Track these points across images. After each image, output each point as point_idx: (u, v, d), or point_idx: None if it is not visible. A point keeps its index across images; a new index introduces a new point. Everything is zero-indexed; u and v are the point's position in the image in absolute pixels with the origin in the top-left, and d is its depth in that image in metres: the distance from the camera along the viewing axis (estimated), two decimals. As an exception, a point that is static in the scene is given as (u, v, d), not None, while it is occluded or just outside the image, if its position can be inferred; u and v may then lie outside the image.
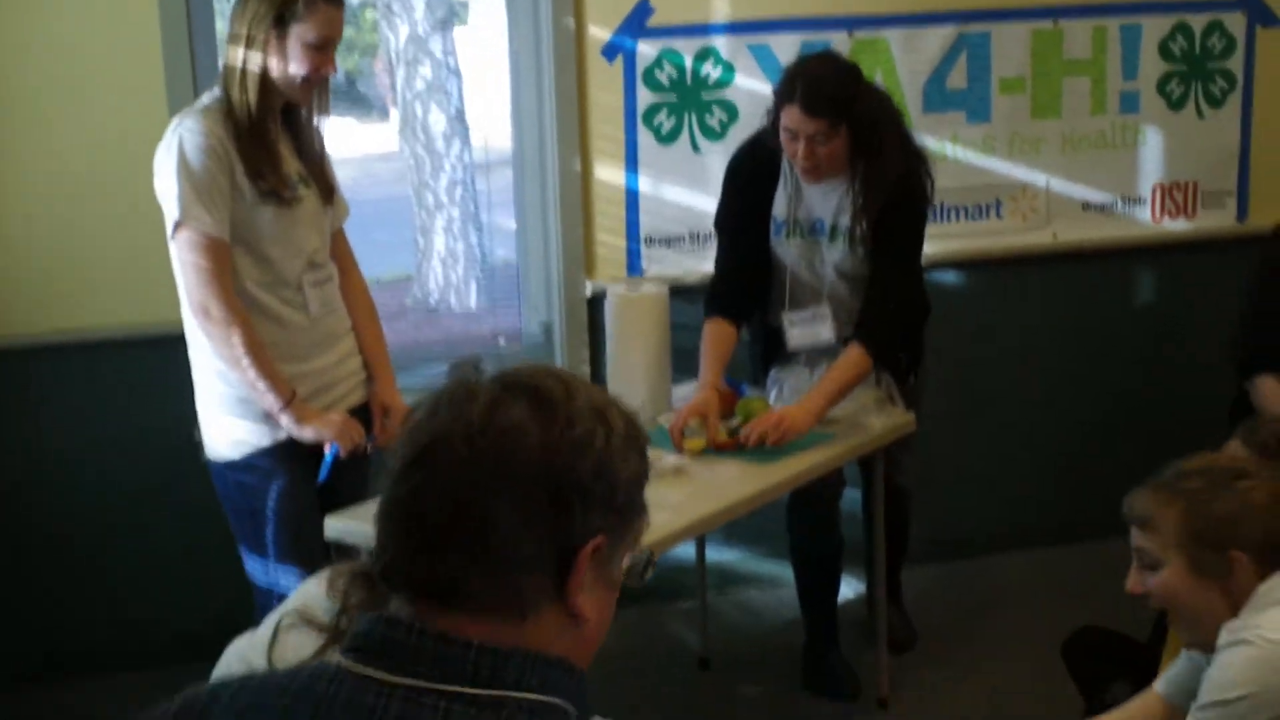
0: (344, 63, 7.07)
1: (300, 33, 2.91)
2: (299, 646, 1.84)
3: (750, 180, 3.61)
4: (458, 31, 6.57)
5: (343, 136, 7.17)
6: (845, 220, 3.51)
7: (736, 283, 3.64)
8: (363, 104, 8.58)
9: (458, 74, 6.65)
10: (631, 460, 1.29)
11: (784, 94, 3.37)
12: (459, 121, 6.77)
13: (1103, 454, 4.67)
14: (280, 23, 2.90)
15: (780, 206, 3.58)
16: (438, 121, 6.76)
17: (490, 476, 1.22)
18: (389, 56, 6.92)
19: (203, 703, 1.24)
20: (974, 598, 4.35)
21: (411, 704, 1.16)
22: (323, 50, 2.95)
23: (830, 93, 3.33)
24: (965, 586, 4.41)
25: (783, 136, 3.41)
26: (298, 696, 1.20)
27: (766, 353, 3.77)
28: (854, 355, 3.43)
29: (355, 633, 1.24)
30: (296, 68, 2.93)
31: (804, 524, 3.79)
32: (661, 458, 3.16)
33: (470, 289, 6.93)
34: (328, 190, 3.13)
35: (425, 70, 6.65)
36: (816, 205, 3.56)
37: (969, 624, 4.18)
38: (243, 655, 2.03)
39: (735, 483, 3.12)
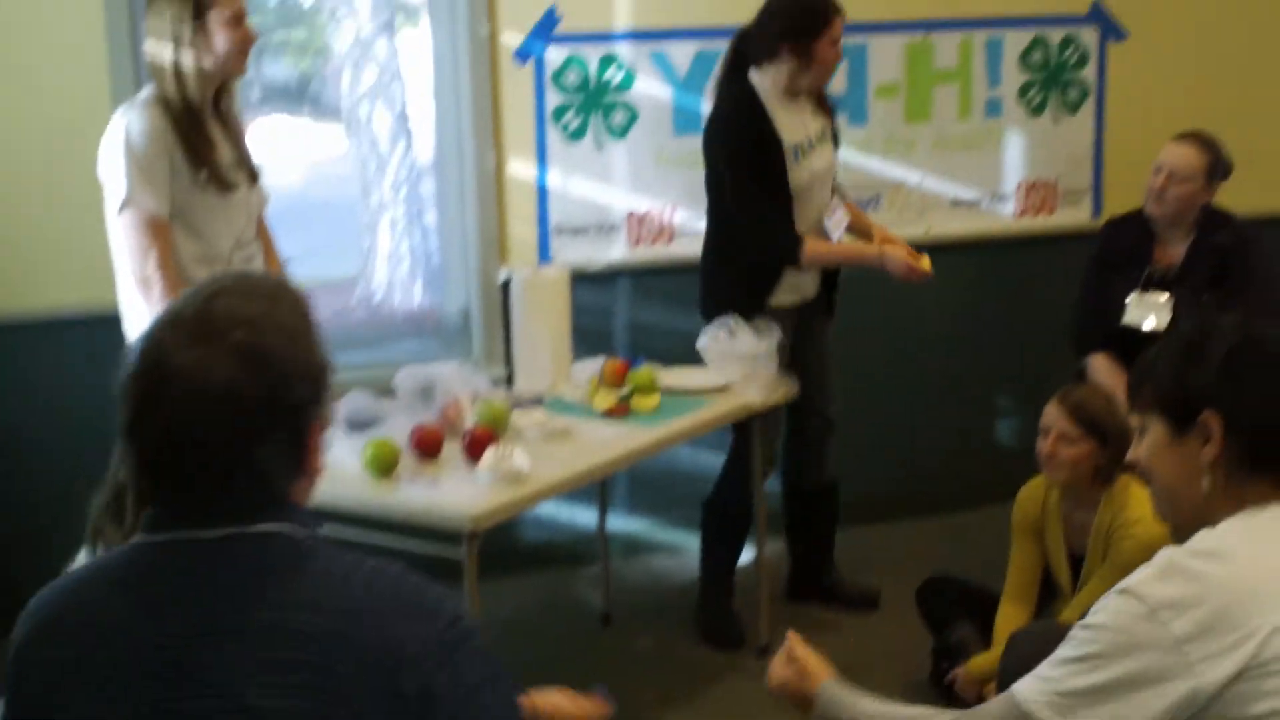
0: (297, 65, 7.32)
1: (217, 16, 3.25)
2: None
3: (761, 131, 3.93)
4: (404, 35, 6.83)
5: (296, 138, 7.41)
6: (820, 128, 4.03)
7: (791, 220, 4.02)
8: (315, 106, 8.77)
9: (401, 77, 6.93)
10: (316, 344, 1.56)
11: (828, 11, 3.88)
12: (403, 123, 7.03)
13: (968, 430, 5.06)
14: (199, 14, 3.24)
15: (792, 133, 3.95)
16: (382, 124, 7.01)
17: (235, 437, 1.47)
18: (335, 60, 7.13)
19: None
20: (857, 560, 4.64)
21: (183, 553, 1.50)
22: (240, 22, 3.30)
23: None
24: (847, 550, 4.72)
25: (831, 50, 3.91)
26: (119, 567, 1.52)
27: (761, 291, 4.07)
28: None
29: (145, 521, 1.53)
30: (225, 45, 3.27)
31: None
32: (552, 419, 3.54)
33: (415, 286, 7.16)
34: (254, 175, 3.50)
35: (370, 73, 6.92)
36: (806, 123, 4.00)
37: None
38: None
39: (617, 441, 3.47)
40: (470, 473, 3.18)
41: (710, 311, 4.05)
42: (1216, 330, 1.91)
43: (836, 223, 4.11)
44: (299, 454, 1.54)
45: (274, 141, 6.35)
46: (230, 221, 3.38)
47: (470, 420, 3.42)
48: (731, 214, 3.98)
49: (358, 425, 3.39)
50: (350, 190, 7.01)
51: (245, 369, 1.47)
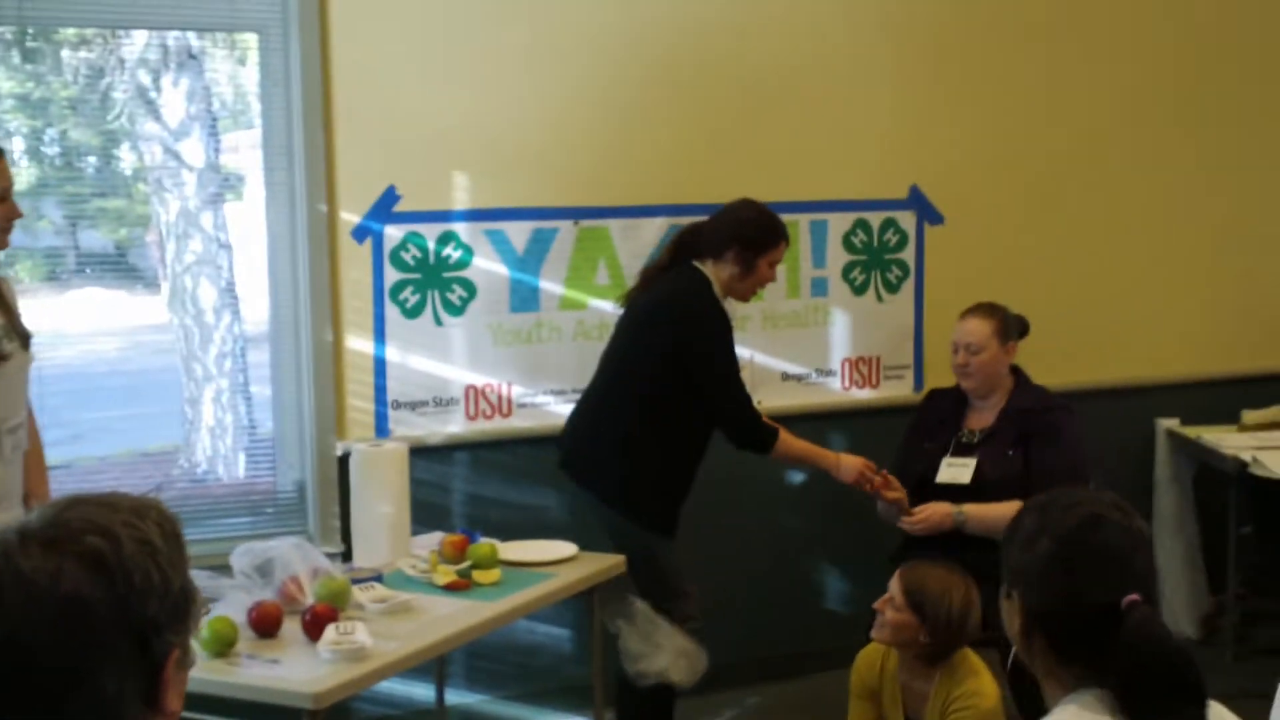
0: (113, 234, 7.23)
1: None
2: None
3: (729, 318, 4.12)
4: (231, 206, 6.81)
5: (112, 308, 7.26)
6: None
7: None
8: (133, 276, 8.60)
9: (229, 248, 6.87)
10: (179, 563, 1.46)
11: (779, 235, 4.11)
12: (229, 294, 6.95)
13: (803, 597, 5.14)
14: None
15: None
16: (208, 295, 6.92)
17: (77, 652, 1.36)
18: (160, 230, 7.07)
19: None
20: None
21: None
22: (5, 198, 3.29)
23: None
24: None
25: (769, 270, 4.12)
26: None
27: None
28: None
29: None
30: None
31: None
32: (393, 594, 3.52)
33: (239, 459, 7.03)
34: (26, 339, 3.42)
35: (196, 244, 6.85)
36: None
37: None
38: None
39: (459, 616, 3.46)
40: (311, 650, 3.15)
41: (632, 499, 4.06)
42: (1049, 527, 1.92)
43: None
44: (150, 684, 1.42)
45: (89, 311, 6.25)
46: (7, 391, 3.32)
47: (310, 597, 3.38)
48: (694, 400, 4.05)
49: (194, 603, 3.33)
50: (171, 361, 6.89)
51: (95, 577, 1.38)
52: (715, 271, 4.08)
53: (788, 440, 4.17)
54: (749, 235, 4.06)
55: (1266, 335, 5.72)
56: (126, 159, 6.02)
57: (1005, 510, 4.06)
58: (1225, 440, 5.22)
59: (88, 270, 6.71)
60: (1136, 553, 1.90)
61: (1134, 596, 1.81)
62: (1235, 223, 5.67)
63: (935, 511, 4.13)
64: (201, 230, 6.83)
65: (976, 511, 4.10)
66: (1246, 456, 4.94)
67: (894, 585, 3.51)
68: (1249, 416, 5.42)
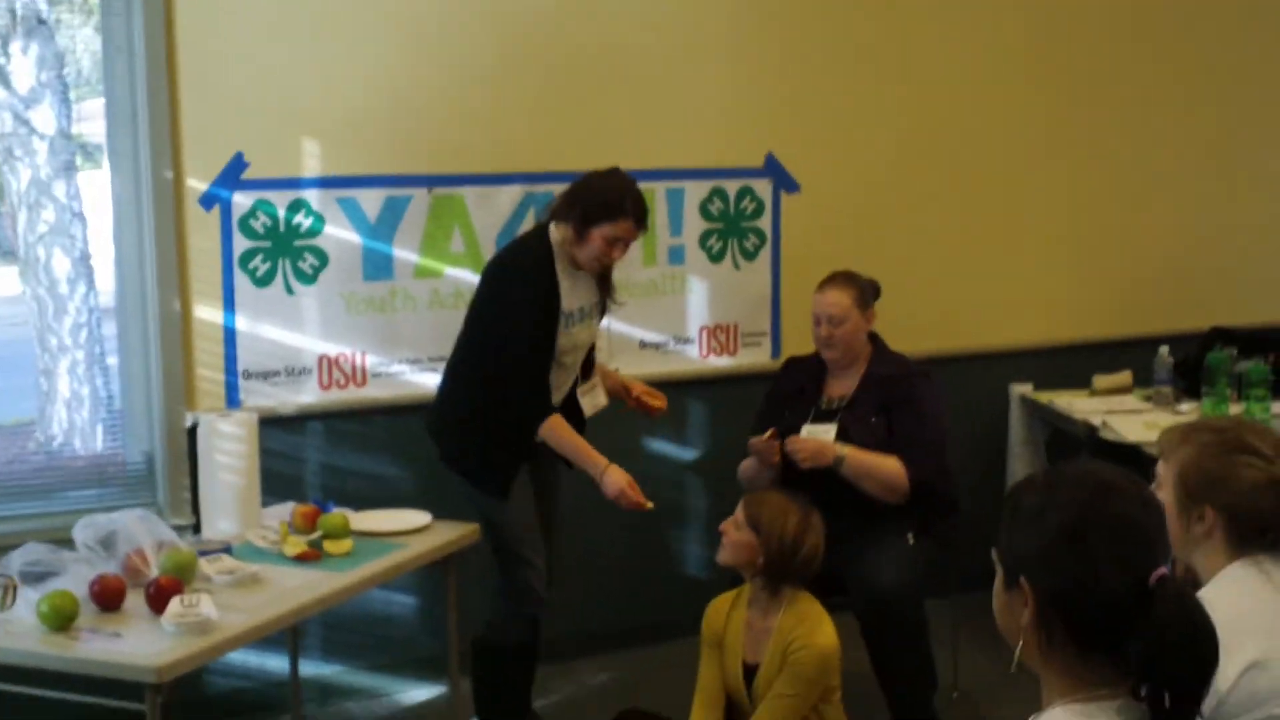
0: (-37, 205, 7.04)
1: None
2: None
3: (549, 291, 3.97)
4: (85, 175, 6.65)
5: (-36, 279, 7.08)
6: (593, 302, 4.10)
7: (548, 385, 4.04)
8: (-15, 247, 8.40)
9: (83, 218, 6.72)
10: None
11: (616, 209, 3.93)
12: (84, 265, 6.82)
13: (659, 562, 5.18)
14: None
15: (568, 302, 4.01)
16: (61, 265, 6.78)
17: None
18: (11, 200, 6.91)
19: None
20: (555, 697, 4.70)
21: None
22: None
23: (644, 208, 4.04)
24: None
25: (603, 244, 3.95)
26: None
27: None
28: None
29: None
30: None
31: None
32: (241, 566, 3.49)
33: (96, 431, 6.93)
34: None
35: (49, 214, 6.70)
36: (581, 296, 4.07)
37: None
38: None
39: (308, 588, 3.45)
40: (155, 623, 3.12)
41: (468, 462, 4.07)
42: (1056, 501, 1.77)
43: (591, 401, 4.25)
44: None
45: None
46: None
47: (155, 570, 3.34)
48: (493, 361, 4.00)
49: (33, 577, 3.29)
50: (25, 333, 6.76)
51: None
52: (558, 232, 4.04)
53: (558, 427, 3.99)
54: (583, 203, 3.98)
55: (1117, 302, 5.85)
56: (-23, 127, 5.86)
57: (882, 461, 4.13)
58: (1076, 405, 5.32)
59: (-63, 243, 6.53)
60: (1152, 523, 1.76)
61: (1162, 570, 1.69)
62: (1088, 190, 5.78)
63: (820, 442, 4.16)
64: (54, 200, 6.67)
65: (855, 454, 4.13)
66: (1096, 421, 5.04)
67: (739, 507, 3.62)
68: (1099, 381, 5.54)
